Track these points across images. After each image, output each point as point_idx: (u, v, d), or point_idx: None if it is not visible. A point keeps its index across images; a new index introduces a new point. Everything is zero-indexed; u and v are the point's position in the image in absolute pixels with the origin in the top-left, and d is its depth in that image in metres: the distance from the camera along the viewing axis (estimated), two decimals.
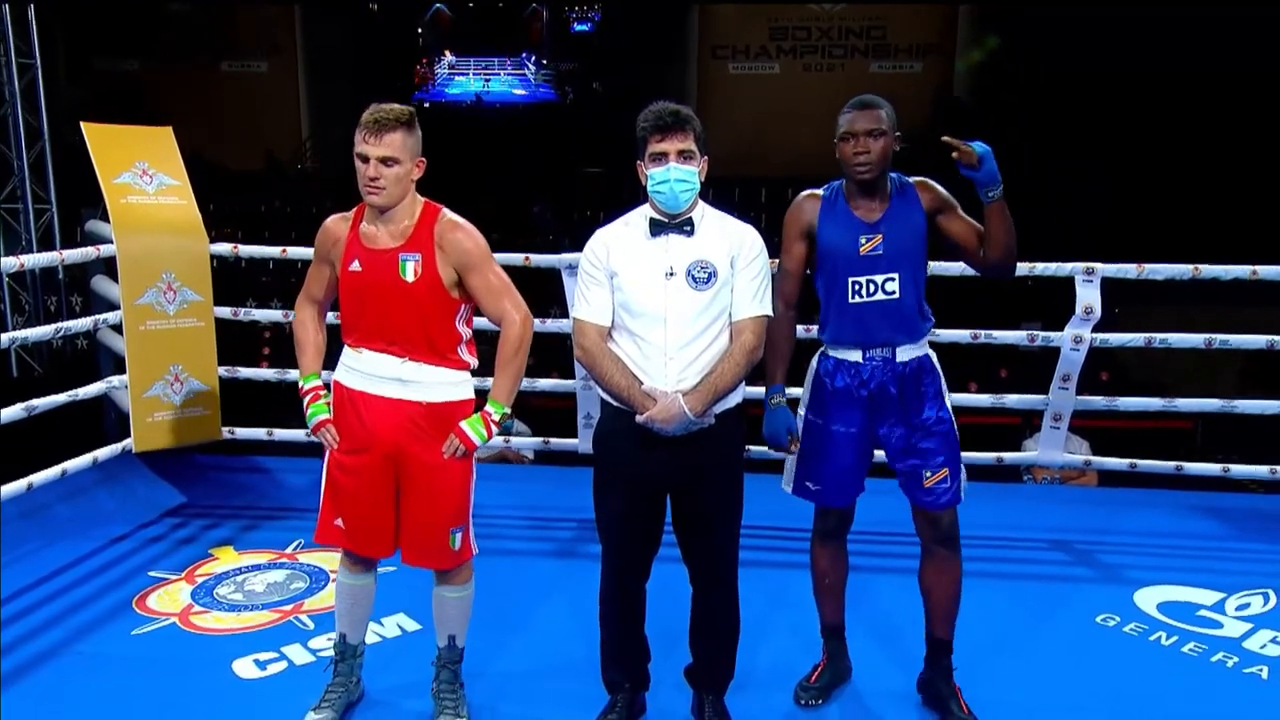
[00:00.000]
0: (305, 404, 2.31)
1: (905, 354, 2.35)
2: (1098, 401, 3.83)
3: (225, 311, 3.97)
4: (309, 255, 2.38)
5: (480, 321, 2.39)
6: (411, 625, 2.85)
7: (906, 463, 2.37)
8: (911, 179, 2.37)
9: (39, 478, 3.30)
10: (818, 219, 2.36)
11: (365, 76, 15.18)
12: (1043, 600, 3.10)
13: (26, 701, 2.46)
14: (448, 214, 2.23)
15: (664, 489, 2.23)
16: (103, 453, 3.69)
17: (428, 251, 2.18)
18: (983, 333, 3.68)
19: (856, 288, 2.31)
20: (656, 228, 2.18)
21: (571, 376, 3.81)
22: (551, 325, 3.98)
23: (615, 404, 2.20)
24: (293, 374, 4.15)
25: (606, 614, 2.35)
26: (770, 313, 2.22)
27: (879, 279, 2.30)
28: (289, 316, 4.35)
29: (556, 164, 14.60)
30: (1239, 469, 3.80)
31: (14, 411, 3.27)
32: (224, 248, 3.97)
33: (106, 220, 3.72)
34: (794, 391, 2.46)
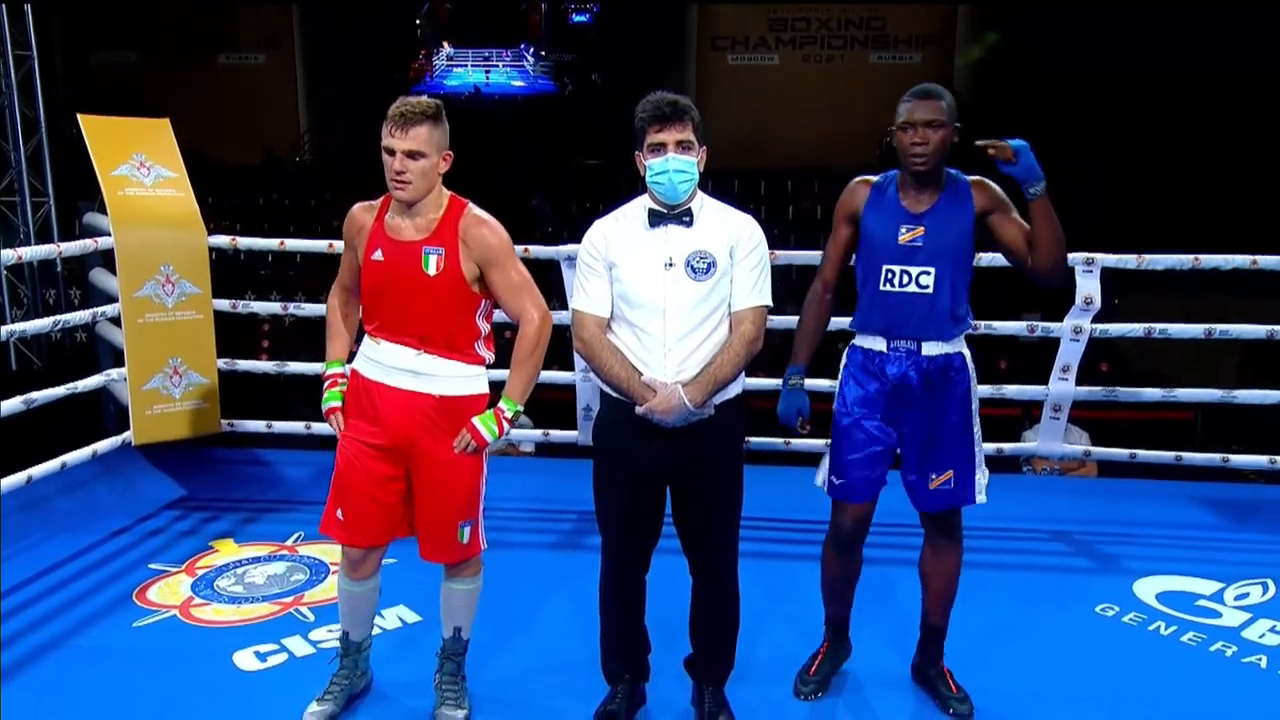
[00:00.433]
0: (324, 388, 2.33)
1: (932, 349, 2.31)
2: (1097, 392, 3.83)
3: (224, 304, 3.97)
4: (307, 248, 2.38)
5: (500, 315, 2.38)
6: (412, 617, 2.85)
7: (916, 462, 2.36)
8: (969, 177, 2.32)
9: (38, 471, 3.30)
10: (864, 205, 2.34)
11: (363, 69, 15.14)
12: (1042, 590, 3.11)
13: (27, 695, 2.46)
14: (474, 209, 2.22)
15: (664, 480, 2.23)
16: (102, 446, 3.69)
17: (451, 246, 2.17)
18: (982, 324, 3.67)
19: (890, 276, 2.29)
20: (655, 218, 2.17)
21: (571, 368, 3.80)
22: (551, 317, 3.98)
23: (615, 395, 2.20)
24: (291, 366, 4.15)
25: (606, 605, 2.35)
26: (769, 303, 2.22)
27: (914, 270, 2.27)
28: (288, 309, 4.37)
29: (555, 156, 14.57)
30: (1238, 459, 3.80)
31: (13, 404, 3.27)
32: (222, 240, 3.97)
33: (104, 213, 3.71)
34: (808, 383, 2.45)
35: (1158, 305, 6.06)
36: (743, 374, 2.21)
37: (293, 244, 4.05)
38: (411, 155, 2.11)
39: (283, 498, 3.84)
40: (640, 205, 2.21)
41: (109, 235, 3.66)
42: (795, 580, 2.93)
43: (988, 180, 2.32)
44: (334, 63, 15.59)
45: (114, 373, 3.88)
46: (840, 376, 2.43)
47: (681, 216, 2.17)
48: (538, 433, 4.28)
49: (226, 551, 3.35)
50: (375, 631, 2.77)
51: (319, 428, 3.87)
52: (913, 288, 2.28)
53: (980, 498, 2.39)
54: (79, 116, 3.70)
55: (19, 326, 3.76)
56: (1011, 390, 3.82)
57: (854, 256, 2.39)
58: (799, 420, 2.38)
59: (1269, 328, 3.70)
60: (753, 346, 2.17)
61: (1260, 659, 2.71)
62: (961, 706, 2.40)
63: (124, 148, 3.74)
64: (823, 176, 13.56)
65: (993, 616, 2.87)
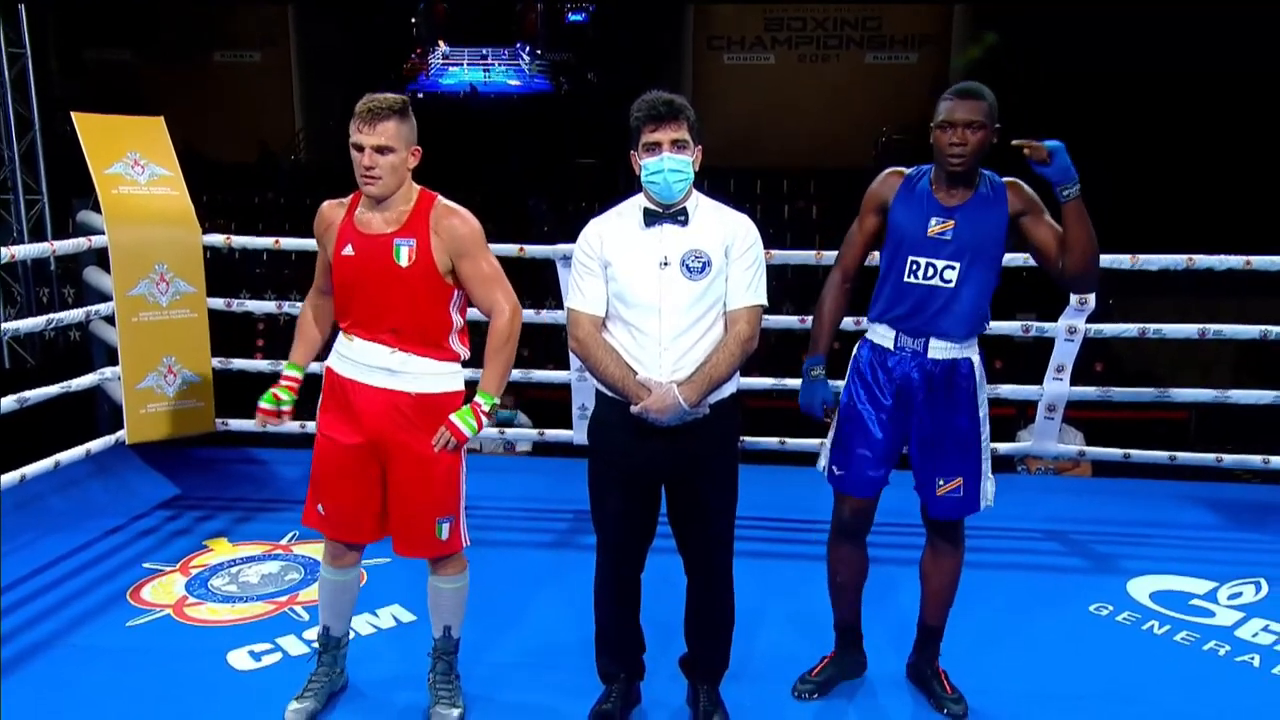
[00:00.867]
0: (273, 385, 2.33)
1: (939, 352, 2.29)
2: (1092, 392, 3.84)
3: (218, 303, 3.96)
4: (302, 246, 2.38)
5: (473, 313, 2.38)
6: (407, 616, 2.85)
7: (924, 465, 2.36)
8: (1004, 179, 2.29)
9: (32, 469, 3.29)
10: (894, 195, 2.31)
11: (359, 67, 15.10)
12: (1036, 590, 3.11)
13: (21, 693, 2.45)
14: (444, 200, 2.23)
15: (659, 479, 2.23)
16: (96, 444, 3.68)
17: (423, 237, 2.17)
18: None
19: (915, 267, 2.26)
20: (650, 218, 2.17)
21: (567, 368, 3.80)
22: (547, 316, 3.98)
23: (610, 395, 2.20)
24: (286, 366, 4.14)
25: (601, 604, 2.35)
26: (765, 302, 2.22)
27: (939, 264, 2.24)
28: (282, 308, 4.36)
29: (551, 155, 14.56)
30: (1232, 459, 3.82)
31: (7, 403, 3.26)
32: (217, 239, 3.96)
33: (98, 211, 3.70)
34: (793, 383, 2.45)
35: (1153, 306, 6.08)
36: (738, 373, 2.21)
37: (287, 243, 4.04)
38: (380, 150, 2.11)
39: (277, 497, 3.83)
40: (635, 204, 2.21)
41: (103, 234, 3.65)
42: (791, 579, 2.93)
43: (1022, 182, 2.29)
44: (330, 61, 15.56)
45: (108, 371, 3.87)
46: (850, 368, 2.42)
47: (677, 216, 2.17)
48: (533, 432, 4.28)
49: (221, 551, 3.34)
50: (369, 630, 2.78)
51: (314, 427, 3.86)
52: (936, 281, 2.25)
53: (986, 504, 2.39)
54: (73, 114, 3.68)
55: (12, 325, 3.75)
56: (1006, 390, 3.82)
57: (881, 248, 2.37)
58: (824, 410, 2.36)
59: (1262, 327, 3.71)
60: (748, 346, 2.17)
61: (1253, 658, 2.71)
62: (956, 707, 2.41)
63: (118, 146, 3.73)
64: (819, 176, 13.58)
65: (987, 616, 2.88)
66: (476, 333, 2.28)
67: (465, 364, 2.30)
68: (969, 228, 2.24)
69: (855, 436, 2.36)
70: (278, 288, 9.59)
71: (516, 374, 4.02)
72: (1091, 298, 3.51)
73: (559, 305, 3.40)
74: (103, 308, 3.81)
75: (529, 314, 4.12)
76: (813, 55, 16.08)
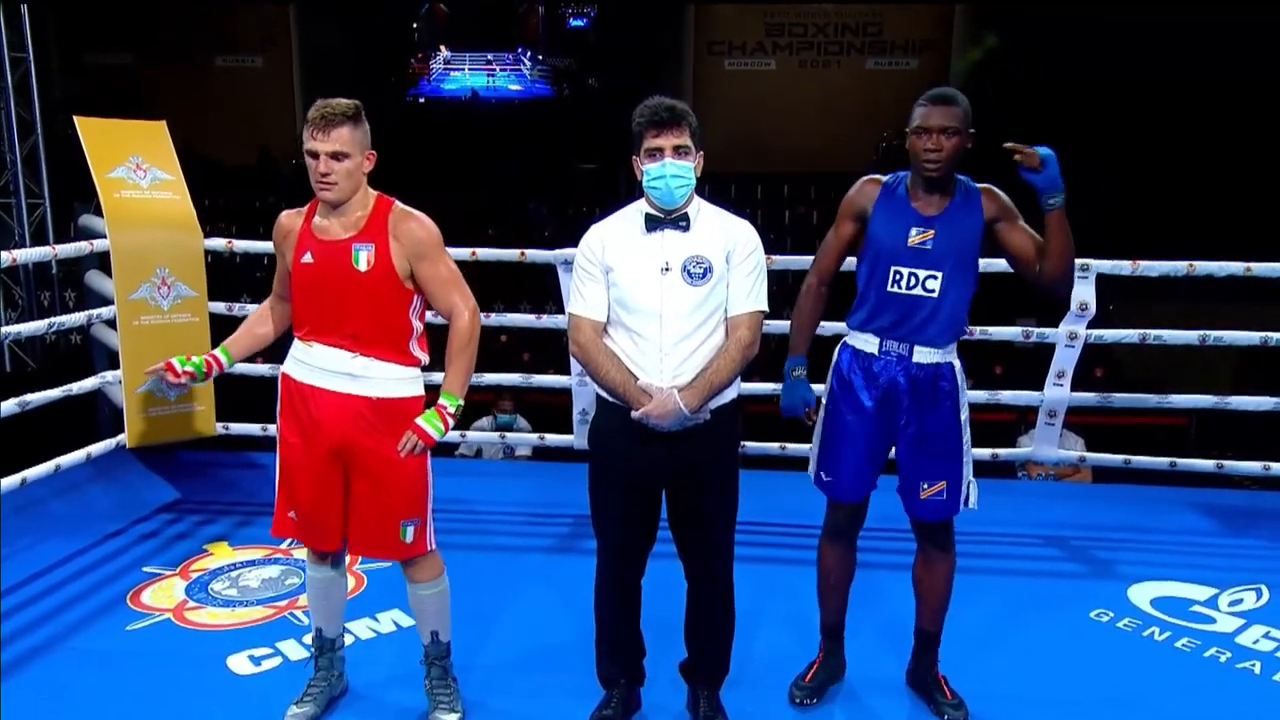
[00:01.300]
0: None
1: (923, 356, 2.31)
2: (1092, 398, 3.84)
3: (220, 307, 3.96)
4: None
5: (432, 317, 2.37)
6: (406, 621, 2.85)
7: (908, 469, 2.37)
8: (979, 185, 2.31)
9: (33, 473, 3.29)
10: (874, 205, 2.32)
11: (360, 72, 15.13)
12: (1037, 596, 3.11)
13: (21, 697, 2.45)
14: (401, 205, 2.23)
15: (660, 485, 2.23)
16: (97, 448, 3.68)
17: (381, 241, 2.17)
18: (978, 329, 3.68)
19: (898, 278, 2.28)
20: (652, 223, 2.17)
21: (567, 372, 3.80)
22: (547, 321, 3.98)
23: (611, 400, 2.20)
24: None
25: (602, 609, 2.35)
26: (765, 308, 2.22)
27: (921, 274, 2.26)
28: None
29: (552, 160, 14.57)
30: (1233, 465, 3.82)
31: (8, 406, 3.26)
32: (218, 243, 3.96)
33: (100, 215, 3.71)
34: (817, 388, 2.45)
35: (1154, 311, 6.09)
36: (739, 379, 2.22)
37: None
38: (335, 157, 2.11)
39: (275, 498, 3.82)
40: (637, 210, 2.21)
41: (104, 237, 3.66)
42: (791, 585, 2.93)
43: (996, 189, 2.31)
44: (331, 65, 15.57)
45: (109, 375, 3.88)
46: (830, 373, 2.43)
47: (678, 221, 2.17)
48: (534, 436, 4.27)
49: (221, 555, 3.34)
50: (369, 635, 2.78)
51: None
52: (919, 290, 2.27)
53: (970, 505, 2.40)
54: (75, 118, 3.69)
55: (14, 329, 3.76)
56: (1007, 395, 3.83)
57: (858, 256, 2.38)
58: (805, 411, 2.36)
59: (1263, 334, 3.71)
60: (749, 352, 2.17)
61: (1254, 665, 2.71)
62: (956, 713, 2.41)
63: (120, 150, 3.73)
64: (819, 181, 13.58)
65: (987, 622, 2.88)
66: (435, 338, 2.28)
67: (424, 369, 2.30)
68: (948, 236, 2.26)
69: (841, 442, 2.38)
70: None
71: (517, 379, 4.03)
72: (1092, 303, 3.51)
73: (559, 310, 3.40)
74: (104, 311, 3.81)
75: (530, 319, 4.14)
76: (813, 61, 16.10)
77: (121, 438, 3.74)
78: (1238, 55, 11.66)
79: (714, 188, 11.00)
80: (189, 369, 2.30)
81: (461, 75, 17.94)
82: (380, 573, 3.09)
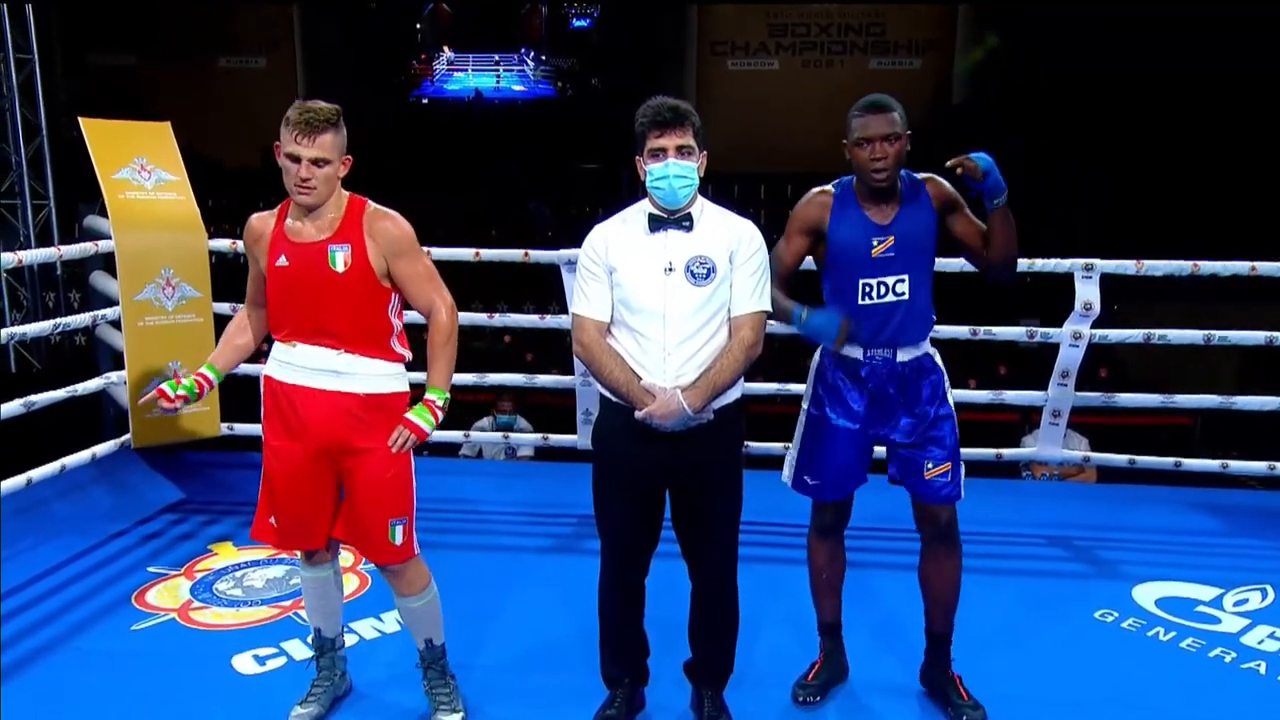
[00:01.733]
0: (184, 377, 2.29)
1: (905, 355, 2.35)
2: (1096, 397, 3.83)
3: (224, 307, 3.96)
4: None
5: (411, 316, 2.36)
6: None
7: (907, 451, 2.36)
8: (920, 175, 2.35)
9: (38, 473, 3.30)
10: (828, 219, 2.34)
11: (363, 72, 15.16)
12: (1041, 596, 3.11)
13: (26, 697, 2.46)
14: (374, 205, 2.23)
15: (663, 485, 2.23)
16: (101, 449, 3.69)
17: (357, 241, 2.16)
18: (982, 329, 3.68)
19: (868, 290, 2.30)
20: (655, 223, 2.17)
21: (571, 373, 3.81)
22: (551, 321, 3.98)
23: (614, 400, 2.20)
24: None
25: (606, 609, 2.35)
26: (769, 308, 2.22)
27: (890, 280, 2.29)
28: None
29: (555, 160, 14.57)
30: (1237, 465, 3.81)
31: (13, 407, 3.26)
32: (222, 243, 3.97)
33: (105, 216, 3.71)
34: (797, 388, 2.45)
35: (1158, 311, 6.08)
36: (742, 379, 2.21)
37: None
38: (317, 163, 2.11)
39: None
40: (640, 210, 2.21)
41: (109, 238, 3.67)
42: (794, 584, 2.92)
43: (937, 177, 2.35)
44: (334, 66, 15.59)
45: (114, 376, 3.89)
46: (812, 378, 2.44)
47: (681, 221, 2.17)
48: (537, 436, 4.28)
49: (225, 555, 3.35)
50: (373, 635, 2.78)
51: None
52: (890, 297, 2.30)
53: (961, 492, 2.40)
54: (80, 120, 3.70)
55: (19, 329, 3.76)
56: (1011, 395, 3.82)
57: (820, 270, 2.40)
58: (841, 323, 2.24)
59: (1268, 333, 3.70)
60: (752, 352, 2.17)
61: (1259, 665, 2.70)
62: (975, 714, 2.39)
63: (125, 151, 3.74)
64: (822, 181, 13.51)
65: (991, 622, 2.87)
66: (414, 339, 2.29)
67: (408, 366, 2.30)
68: (907, 239, 2.30)
69: (827, 446, 2.39)
70: None
71: (520, 379, 4.03)
72: (1096, 303, 3.51)
73: (563, 310, 3.40)
74: (109, 312, 3.82)
75: (533, 319, 4.15)
76: (816, 61, 16.09)
77: (126, 438, 3.75)
78: (1238, 55, 11.65)
79: (717, 188, 10.99)
80: (181, 393, 2.27)
81: (464, 76, 17.95)
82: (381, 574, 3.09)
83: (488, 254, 3.74)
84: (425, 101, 16.88)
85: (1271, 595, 3.10)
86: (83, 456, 3.54)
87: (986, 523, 3.37)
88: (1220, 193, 11.10)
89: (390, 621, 2.85)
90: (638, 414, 2.12)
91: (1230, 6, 11.56)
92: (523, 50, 17.87)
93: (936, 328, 2.48)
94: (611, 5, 16.85)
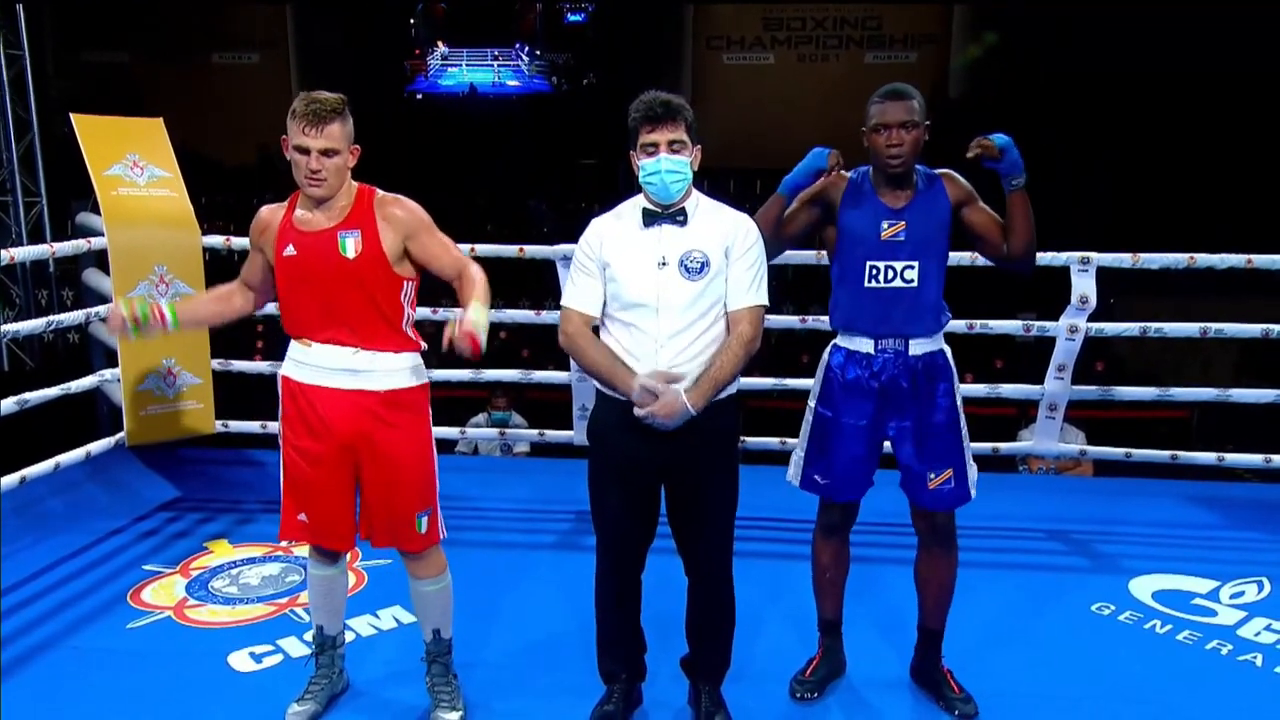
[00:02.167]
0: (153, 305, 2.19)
1: (918, 347, 2.32)
2: (1093, 391, 3.83)
3: None
4: None
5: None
6: (407, 618, 2.84)
7: (912, 461, 2.36)
8: (937, 170, 2.34)
9: (32, 472, 3.28)
10: (840, 199, 2.33)
11: (358, 68, 15.10)
12: (1038, 589, 3.11)
13: (22, 696, 2.45)
14: (383, 192, 2.22)
15: (659, 480, 2.22)
16: (95, 446, 3.67)
17: (369, 227, 2.15)
18: (978, 323, 3.68)
19: (874, 272, 2.29)
20: (649, 218, 2.17)
21: (566, 369, 3.80)
22: (547, 317, 3.97)
23: (609, 394, 2.19)
24: None
25: (602, 605, 2.34)
26: (766, 302, 2.21)
27: (899, 265, 2.28)
28: None
29: (550, 155, 14.55)
30: (1234, 458, 3.81)
31: (7, 405, 3.25)
32: (216, 240, 3.96)
33: (97, 212, 3.70)
34: (804, 383, 2.43)
35: (1155, 305, 6.08)
36: (739, 374, 2.21)
37: None
38: (326, 153, 2.10)
39: (277, 499, 3.78)
40: (635, 205, 2.20)
41: (102, 235, 3.65)
42: (791, 579, 2.92)
43: (953, 173, 2.35)
44: (329, 62, 15.54)
45: (107, 373, 3.87)
46: (821, 375, 2.42)
47: (675, 216, 2.16)
48: (533, 432, 4.27)
49: (221, 552, 3.34)
50: (370, 632, 2.78)
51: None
52: (898, 283, 2.28)
53: (973, 492, 2.40)
54: (72, 116, 3.68)
55: (12, 327, 3.74)
56: (1007, 389, 3.82)
57: (829, 254, 2.39)
58: (828, 158, 2.29)
59: (1264, 326, 3.71)
60: (751, 347, 2.16)
61: (1256, 657, 2.71)
62: (966, 707, 2.40)
63: (117, 147, 3.72)
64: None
65: (988, 615, 2.87)
66: (425, 334, 2.27)
67: (424, 356, 2.28)
68: (919, 226, 2.29)
69: (838, 445, 2.37)
70: None
71: (516, 375, 4.02)
72: (1093, 297, 3.51)
73: (559, 306, 3.39)
74: (102, 309, 3.80)
75: (529, 315, 4.13)
76: (812, 55, 16.07)
77: (120, 436, 3.74)
78: (1238, 55, 11.66)
79: (713, 182, 10.99)
80: (136, 312, 2.15)
81: (459, 71, 17.90)
82: (381, 569, 3.09)
83: (483, 249, 3.73)
84: (420, 97, 16.84)
85: (1268, 587, 3.10)
86: (77, 454, 3.53)
87: (983, 517, 3.37)
88: (1219, 193, 11.11)
89: (388, 619, 2.85)
90: (638, 413, 2.11)
91: (1230, 6, 11.56)
92: (518, 45, 17.83)
93: None
94: (606, 0, 16.82)
